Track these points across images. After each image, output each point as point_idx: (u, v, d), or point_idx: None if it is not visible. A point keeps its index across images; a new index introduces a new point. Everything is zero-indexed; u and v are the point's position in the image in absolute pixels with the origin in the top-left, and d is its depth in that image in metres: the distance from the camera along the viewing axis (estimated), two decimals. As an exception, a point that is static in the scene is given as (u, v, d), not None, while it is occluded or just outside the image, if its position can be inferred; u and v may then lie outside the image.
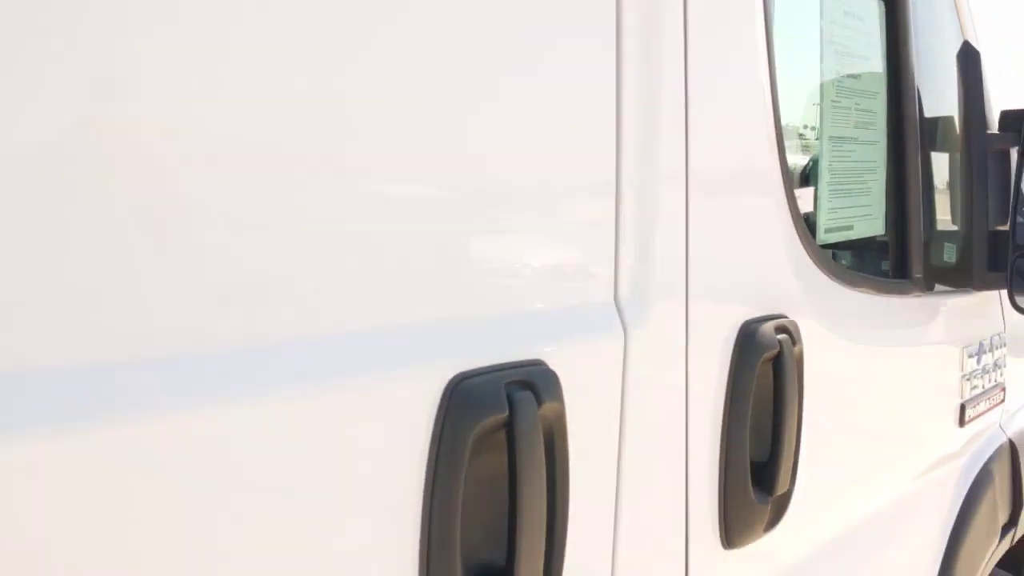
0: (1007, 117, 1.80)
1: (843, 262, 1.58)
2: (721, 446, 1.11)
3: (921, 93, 1.67)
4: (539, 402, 0.82)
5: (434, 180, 0.80)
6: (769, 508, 1.17)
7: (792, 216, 1.25)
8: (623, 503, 0.96)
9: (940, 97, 1.77)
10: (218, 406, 0.65)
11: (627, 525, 0.97)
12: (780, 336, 1.16)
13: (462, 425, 0.77)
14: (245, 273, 0.67)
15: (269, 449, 0.67)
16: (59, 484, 0.57)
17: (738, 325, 1.12)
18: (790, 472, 1.20)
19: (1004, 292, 1.73)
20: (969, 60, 1.71)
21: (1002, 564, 2.03)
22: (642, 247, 0.99)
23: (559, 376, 0.85)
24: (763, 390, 1.14)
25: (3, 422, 0.55)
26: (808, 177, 1.57)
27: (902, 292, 1.61)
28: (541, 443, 0.83)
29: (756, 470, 1.15)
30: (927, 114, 1.72)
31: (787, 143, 1.27)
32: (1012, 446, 1.99)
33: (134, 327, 0.61)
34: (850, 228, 1.55)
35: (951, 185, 1.82)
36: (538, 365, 0.84)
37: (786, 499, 1.21)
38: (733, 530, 1.13)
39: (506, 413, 0.79)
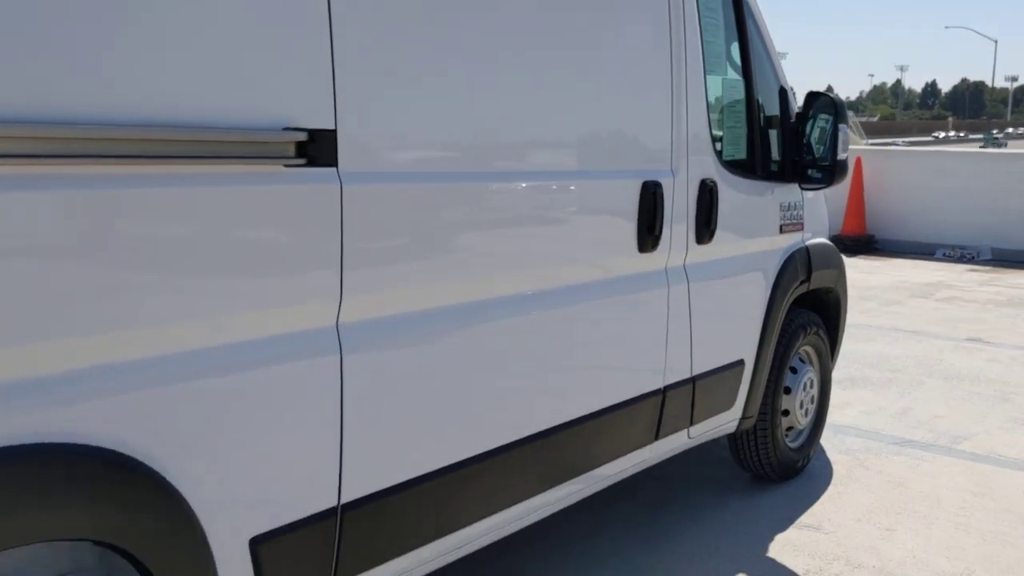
0: (807, 96, 4.26)
1: (731, 164, 4.01)
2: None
3: (756, 80, 4.10)
4: None
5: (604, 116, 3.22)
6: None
7: (713, 142, 3.69)
8: None
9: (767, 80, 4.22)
10: None
11: None
12: (709, 183, 3.61)
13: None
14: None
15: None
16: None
17: (698, 181, 3.57)
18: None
19: (798, 184, 4.26)
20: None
21: (800, 301, 4.57)
22: (680, 156, 3.42)
23: None
24: (704, 202, 3.60)
25: None
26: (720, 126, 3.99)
27: (755, 179, 4.07)
28: None
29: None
30: (763, 95, 4.17)
31: (711, 109, 3.71)
32: (806, 247, 4.52)
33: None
34: (733, 148, 3.98)
35: (778, 132, 4.28)
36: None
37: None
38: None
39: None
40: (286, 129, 2.11)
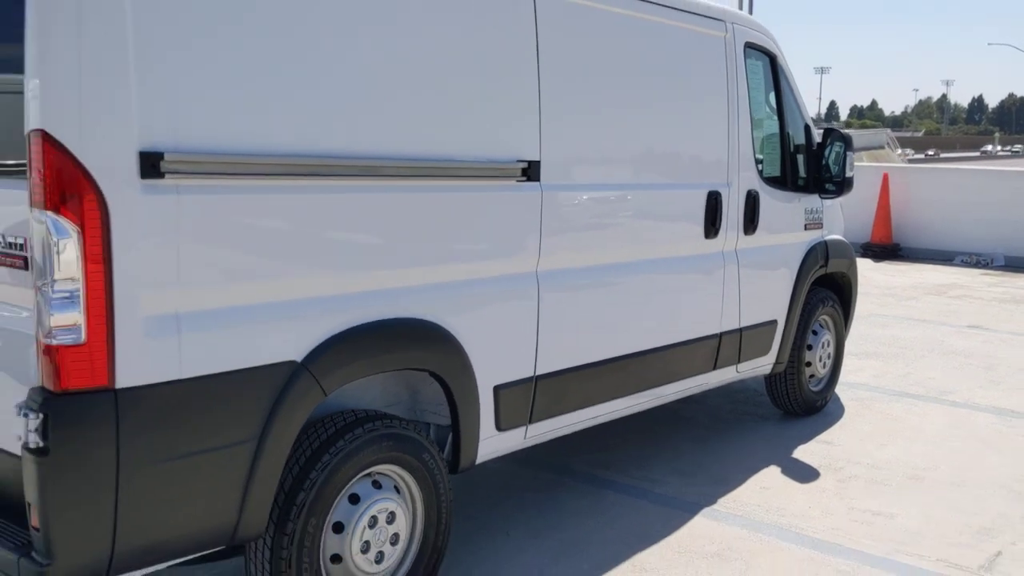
0: (824, 131, 5.90)
1: (769, 179, 5.64)
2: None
3: (786, 119, 5.75)
4: None
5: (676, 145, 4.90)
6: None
7: (756, 164, 5.35)
8: None
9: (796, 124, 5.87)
10: None
11: None
12: (753, 192, 5.26)
13: None
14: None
15: None
16: None
17: (745, 191, 5.23)
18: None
19: (818, 194, 5.90)
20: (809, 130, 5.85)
21: (819, 281, 6.19)
22: (734, 173, 5.08)
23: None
24: (749, 206, 5.26)
25: None
26: (761, 150, 5.63)
27: (786, 190, 5.71)
28: None
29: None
30: (792, 130, 5.82)
31: (755, 141, 5.36)
32: (825, 241, 6.14)
33: None
34: (771, 168, 5.62)
35: (803, 156, 5.91)
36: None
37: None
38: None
39: None
40: (518, 161, 3.81)
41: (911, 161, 38.99)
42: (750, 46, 5.39)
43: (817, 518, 4.62)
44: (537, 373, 4.03)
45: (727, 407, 6.47)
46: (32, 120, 2.47)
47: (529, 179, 3.87)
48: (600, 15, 4.25)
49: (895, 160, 28.32)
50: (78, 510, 2.59)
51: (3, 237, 2.70)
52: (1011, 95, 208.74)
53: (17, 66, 2.52)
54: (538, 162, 3.90)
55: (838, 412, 6.40)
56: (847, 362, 7.14)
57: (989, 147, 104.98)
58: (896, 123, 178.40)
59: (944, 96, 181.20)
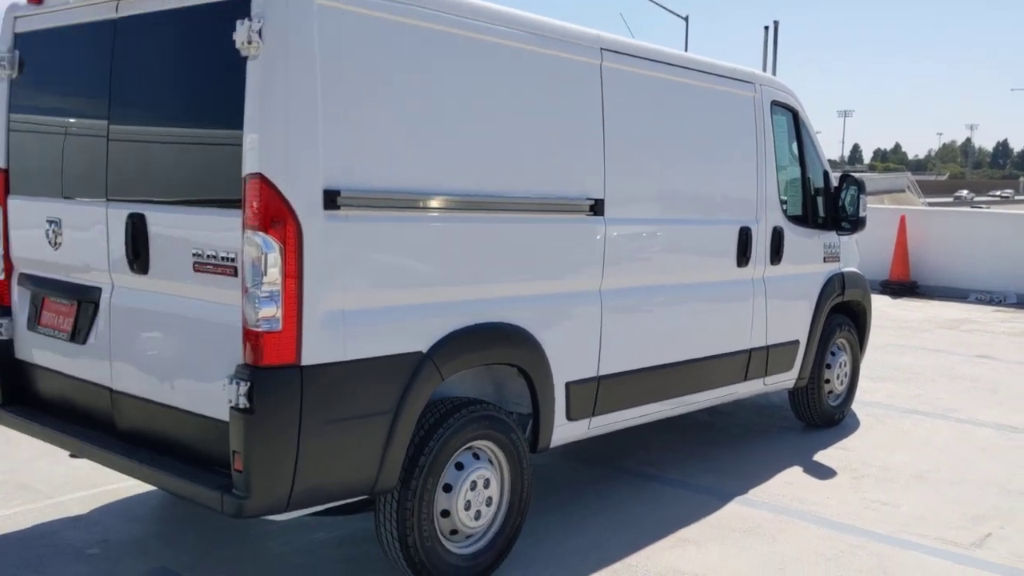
0: (841, 176, 6.77)
1: (792, 218, 6.50)
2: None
3: (807, 165, 6.63)
4: None
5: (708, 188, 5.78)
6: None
7: (781, 204, 6.21)
8: None
9: (816, 169, 6.74)
10: None
11: None
12: (778, 228, 6.12)
13: None
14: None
15: None
16: None
17: (772, 227, 6.08)
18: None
19: (835, 231, 6.76)
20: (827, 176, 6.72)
21: (837, 308, 7.01)
22: (762, 212, 5.95)
23: None
24: (775, 240, 6.12)
25: None
26: (784, 192, 6.50)
27: (806, 227, 6.57)
28: None
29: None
30: (812, 175, 6.69)
31: (780, 184, 6.23)
32: (842, 273, 6.97)
33: None
34: (794, 208, 6.49)
35: (821, 198, 6.77)
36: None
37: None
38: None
39: None
40: (587, 198, 4.70)
41: (931, 205, 39.75)
42: (776, 103, 6.28)
43: (834, 506, 5.41)
44: (600, 374, 4.87)
45: (755, 419, 7.28)
46: (251, 165, 3.38)
47: (595, 213, 4.75)
48: (652, 80, 5.16)
49: (916, 204, 29.11)
50: (272, 457, 3.46)
51: (217, 253, 3.60)
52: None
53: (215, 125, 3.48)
54: (602, 200, 4.78)
55: (854, 425, 7.18)
56: (864, 384, 7.92)
57: (1009, 191, 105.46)
58: (920, 166, 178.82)
59: (968, 140, 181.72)
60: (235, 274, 3.52)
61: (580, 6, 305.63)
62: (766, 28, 33.82)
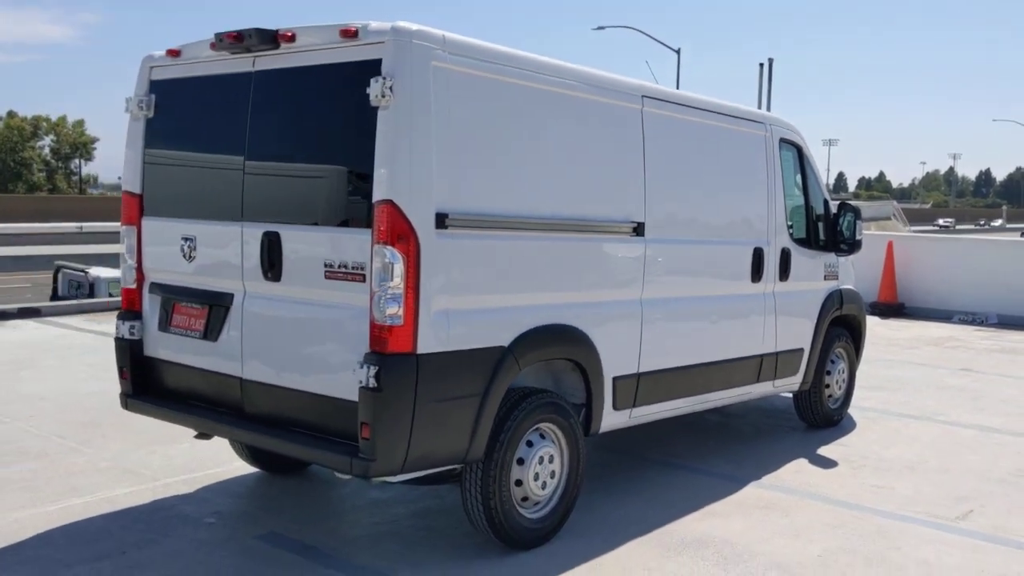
0: (839, 204, 7.68)
1: (797, 240, 7.39)
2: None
3: (810, 194, 7.53)
4: None
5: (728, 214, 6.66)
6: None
7: (788, 228, 7.11)
8: None
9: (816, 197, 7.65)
10: None
11: None
12: (786, 250, 7.02)
13: None
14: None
15: None
16: None
17: (780, 248, 6.98)
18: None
19: (835, 253, 7.67)
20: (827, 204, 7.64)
21: (835, 321, 7.89)
22: (772, 235, 6.84)
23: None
24: (783, 259, 7.00)
25: None
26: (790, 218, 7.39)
27: (810, 249, 7.46)
28: None
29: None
30: (814, 202, 7.59)
31: (787, 211, 7.12)
32: (840, 290, 7.87)
33: None
34: (799, 231, 7.38)
35: (822, 223, 7.67)
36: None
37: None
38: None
39: None
40: (631, 222, 5.58)
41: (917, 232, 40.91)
42: (783, 140, 7.19)
43: (838, 488, 6.27)
44: (640, 371, 5.72)
45: (763, 421, 8.14)
46: (381, 193, 4.24)
47: (637, 234, 5.62)
48: (682, 123, 6.07)
49: (902, 231, 30.15)
50: (394, 427, 4.29)
51: (348, 263, 4.44)
52: (1019, 168, 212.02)
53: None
54: (643, 223, 5.66)
55: (852, 426, 8.05)
56: (859, 392, 8.78)
57: (997, 220, 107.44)
58: (904, 195, 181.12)
59: (951, 169, 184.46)
60: (363, 280, 4.37)
61: (585, 41, 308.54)
62: (761, 65, 35.01)
